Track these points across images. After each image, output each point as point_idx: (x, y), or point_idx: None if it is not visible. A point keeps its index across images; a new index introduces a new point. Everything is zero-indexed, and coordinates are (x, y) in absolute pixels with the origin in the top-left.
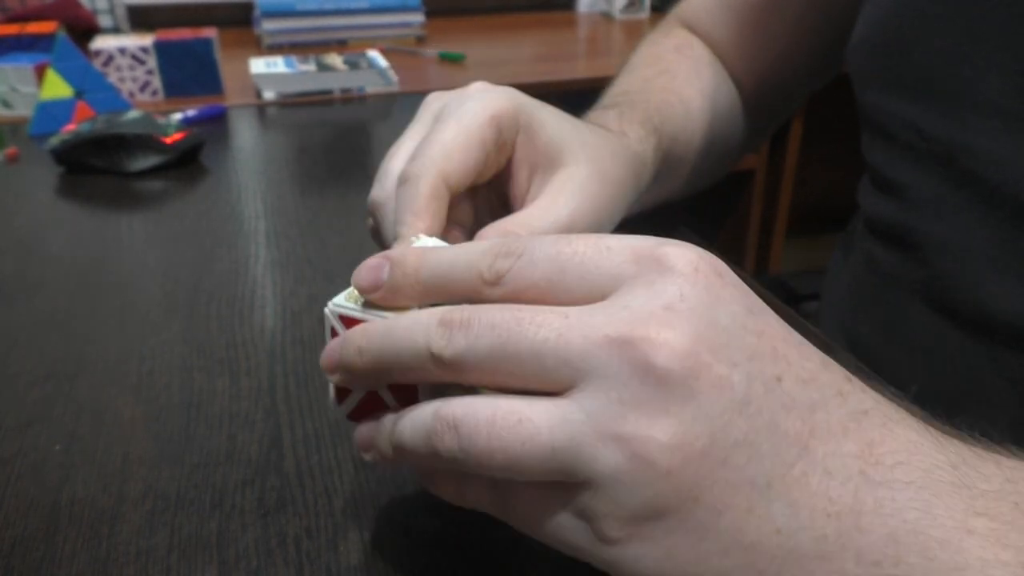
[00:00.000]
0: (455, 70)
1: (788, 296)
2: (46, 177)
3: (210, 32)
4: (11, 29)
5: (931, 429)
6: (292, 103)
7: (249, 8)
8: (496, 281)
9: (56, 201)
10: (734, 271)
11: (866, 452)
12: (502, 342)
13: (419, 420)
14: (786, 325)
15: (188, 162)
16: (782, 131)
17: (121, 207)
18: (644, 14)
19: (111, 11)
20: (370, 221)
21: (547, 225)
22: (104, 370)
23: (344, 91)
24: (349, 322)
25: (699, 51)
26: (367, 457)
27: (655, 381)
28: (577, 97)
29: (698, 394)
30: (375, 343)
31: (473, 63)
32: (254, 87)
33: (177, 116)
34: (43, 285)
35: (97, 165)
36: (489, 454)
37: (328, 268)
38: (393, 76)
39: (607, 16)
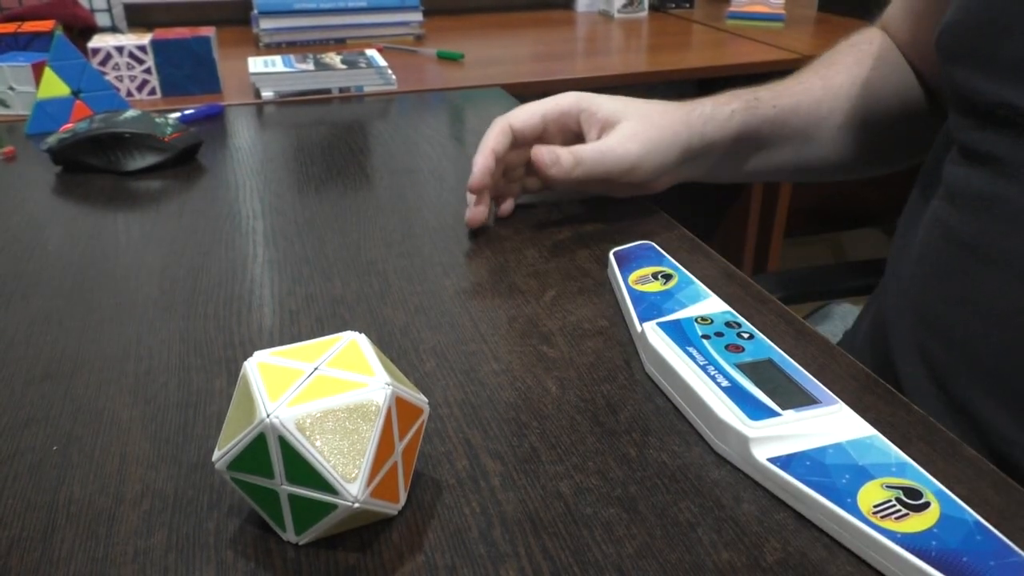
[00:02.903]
0: (453, 69)
1: (787, 296)
2: (43, 176)
3: (208, 31)
4: (8, 28)
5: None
6: (290, 102)
7: (247, 7)
8: None
9: (53, 200)
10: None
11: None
12: None
13: None
14: None
15: (186, 161)
16: None
17: (118, 206)
18: (643, 13)
19: (109, 10)
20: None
21: (597, 149)
22: (101, 370)
23: (342, 90)
24: None
25: (874, 46)
26: None
27: None
28: None
29: None
30: None
31: (472, 62)
32: (252, 86)
33: (175, 115)
34: (40, 284)
35: (94, 164)
36: None
37: (326, 267)
38: (391, 75)
39: (605, 15)
